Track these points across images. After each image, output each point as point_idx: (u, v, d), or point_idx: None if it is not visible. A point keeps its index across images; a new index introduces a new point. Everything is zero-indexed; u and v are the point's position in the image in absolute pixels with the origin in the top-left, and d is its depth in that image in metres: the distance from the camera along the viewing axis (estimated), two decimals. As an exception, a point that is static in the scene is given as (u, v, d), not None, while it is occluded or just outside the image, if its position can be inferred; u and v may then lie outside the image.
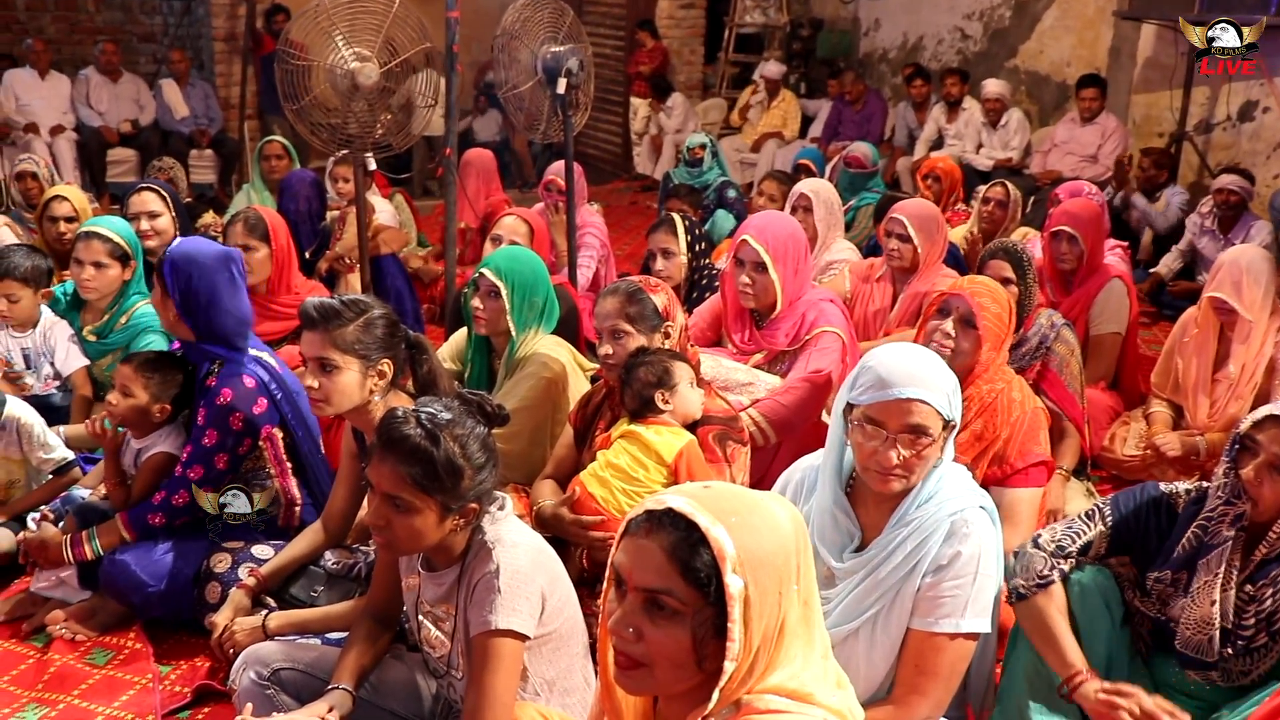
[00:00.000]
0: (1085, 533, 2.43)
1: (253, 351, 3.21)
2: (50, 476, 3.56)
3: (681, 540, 1.49)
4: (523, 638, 2.12)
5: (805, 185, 5.28)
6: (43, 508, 3.42)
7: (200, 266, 3.10)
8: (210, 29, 9.54)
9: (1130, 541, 2.43)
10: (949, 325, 3.06)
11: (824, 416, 3.51)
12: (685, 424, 2.92)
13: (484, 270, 3.54)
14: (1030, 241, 5.16)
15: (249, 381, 3.10)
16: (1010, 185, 5.72)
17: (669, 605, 1.49)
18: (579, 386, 3.51)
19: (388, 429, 2.15)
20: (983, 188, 5.88)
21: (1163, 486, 2.45)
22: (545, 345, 3.55)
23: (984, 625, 2.25)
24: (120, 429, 3.25)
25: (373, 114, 4.43)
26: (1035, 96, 9.05)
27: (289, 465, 3.23)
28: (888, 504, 2.30)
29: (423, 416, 2.15)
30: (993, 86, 8.40)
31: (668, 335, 3.09)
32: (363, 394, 2.69)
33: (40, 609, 3.25)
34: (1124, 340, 4.55)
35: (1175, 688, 2.42)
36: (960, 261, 5.22)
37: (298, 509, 3.27)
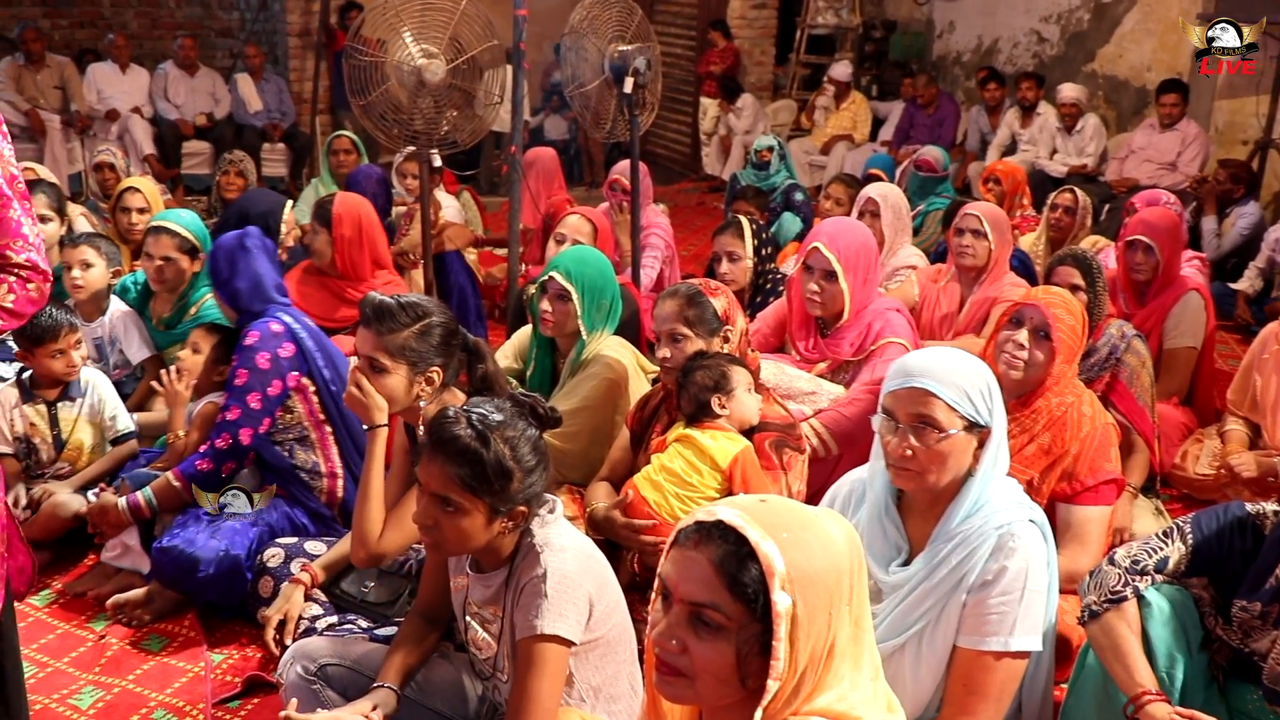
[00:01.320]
0: (1162, 550, 2.33)
1: (294, 313, 3.40)
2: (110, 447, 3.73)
3: (730, 554, 1.45)
4: (568, 643, 2.10)
5: (873, 190, 5.21)
6: (102, 483, 3.54)
7: (221, 248, 3.42)
8: (285, 25, 9.68)
9: (1211, 563, 2.32)
10: (1022, 336, 2.99)
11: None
12: (742, 430, 2.88)
13: (553, 273, 3.50)
14: (1103, 251, 5.04)
15: (275, 326, 3.29)
16: (1079, 192, 5.59)
17: (714, 620, 1.46)
18: (640, 389, 3.47)
19: (438, 428, 2.13)
20: (1054, 194, 5.76)
21: (1248, 507, 2.33)
22: (609, 346, 3.52)
23: (1034, 644, 2.19)
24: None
25: (439, 111, 4.44)
26: (1113, 102, 8.85)
27: (328, 429, 3.31)
28: (935, 516, 2.26)
29: (474, 417, 2.13)
30: (1069, 91, 8.21)
31: (727, 339, 3.04)
32: (408, 398, 2.67)
33: (111, 581, 3.36)
34: (1199, 354, 4.42)
35: (1252, 716, 2.32)
36: (1030, 269, 5.11)
37: (339, 481, 3.32)
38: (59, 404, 3.63)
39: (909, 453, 2.20)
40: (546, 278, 3.52)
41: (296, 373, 3.27)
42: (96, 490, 3.45)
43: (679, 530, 1.52)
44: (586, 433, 3.40)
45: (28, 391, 3.61)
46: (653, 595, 1.56)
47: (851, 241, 3.70)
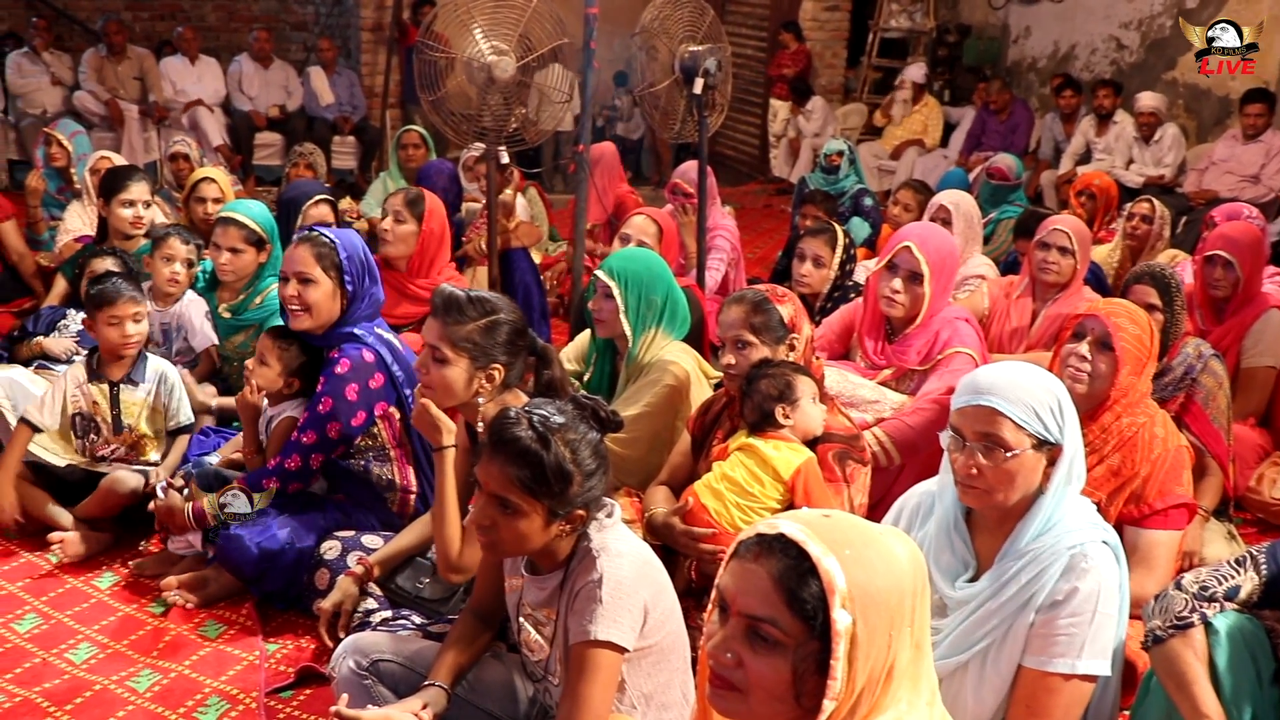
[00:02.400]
0: (1233, 578, 2.26)
1: (379, 332, 3.31)
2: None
3: (790, 568, 1.42)
4: (622, 650, 2.07)
5: (945, 197, 5.13)
6: (167, 478, 3.53)
7: (365, 252, 3.33)
8: (358, 19, 9.80)
9: None
10: (1084, 348, 2.92)
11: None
12: (805, 440, 2.84)
13: (599, 273, 3.50)
14: (1180, 265, 4.92)
15: (368, 355, 3.20)
16: (1157, 202, 5.47)
17: (771, 635, 1.43)
18: (702, 395, 3.42)
19: (499, 429, 2.12)
20: (1131, 203, 5.63)
21: None
22: (671, 352, 3.47)
23: (1103, 668, 2.13)
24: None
25: (507, 108, 4.45)
26: (1193, 111, 8.63)
27: (407, 449, 3.29)
28: (1005, 533, 2.21)
29: (535, 419, 2.11)
30: (1148, 99, 8.01)
31: (792, 347, 3.00)
32: (467, 393, 2.66)
33: (175, 567, 3.40)
34: (1278, 374, 4.28)
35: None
36: (1102, 281, 5.00)
37: (412, 496, 3.30)
38: (122, 385, 3.69)
39: (976, 471, 2.16)
40: (595, 278, 3.51)
41: (385, 402, 3.22)
42: (163, 486, 3.42)
43: (739, 542, 1.49)
44: (646, 439, 3.38)
45: (94, 371, 3.70)
46: (709, 605, 1.53)
47: (941, 246, 3.67)
